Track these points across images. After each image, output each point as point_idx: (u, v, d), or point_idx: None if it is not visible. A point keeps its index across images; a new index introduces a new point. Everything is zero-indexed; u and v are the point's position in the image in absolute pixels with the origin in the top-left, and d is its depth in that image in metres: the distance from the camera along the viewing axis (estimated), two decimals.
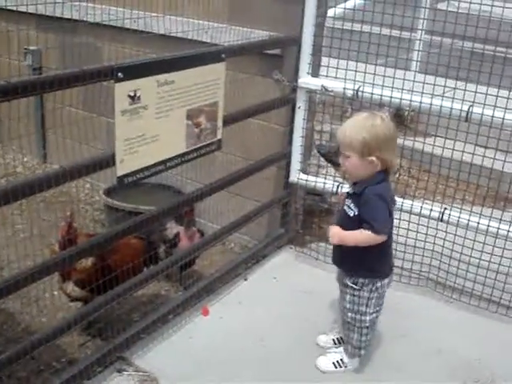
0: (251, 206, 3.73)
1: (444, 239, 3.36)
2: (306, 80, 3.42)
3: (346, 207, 2.59)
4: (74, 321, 2.61)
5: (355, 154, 2.44)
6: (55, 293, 3.27)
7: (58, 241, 2.92)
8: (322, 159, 4.24)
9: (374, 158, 2.43)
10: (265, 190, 3.79)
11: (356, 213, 2.53)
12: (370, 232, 2.46)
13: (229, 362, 2.85)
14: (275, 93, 3.57)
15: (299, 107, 3.49)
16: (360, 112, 2.60)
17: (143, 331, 2.95)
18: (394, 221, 2.74)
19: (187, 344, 2.96)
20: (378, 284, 2.64)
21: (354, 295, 2.67)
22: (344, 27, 3.29)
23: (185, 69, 2.56)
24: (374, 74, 3.20)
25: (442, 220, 3.25)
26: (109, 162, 2.41)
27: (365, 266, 2.60)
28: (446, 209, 3.25)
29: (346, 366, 2.82)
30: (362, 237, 2.49)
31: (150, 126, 2.47)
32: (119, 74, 2.26)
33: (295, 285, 3.48)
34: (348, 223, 2.56)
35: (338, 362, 2.83)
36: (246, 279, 3.52)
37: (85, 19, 3.93)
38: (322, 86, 3.34)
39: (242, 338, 3.02)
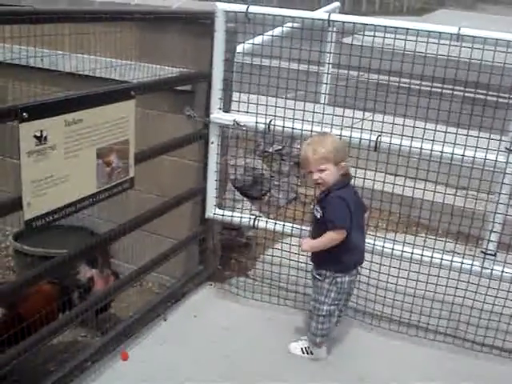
0: (168, 243, 3.66)
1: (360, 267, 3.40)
2: (218, 115, 3.42)
3: (314, 210, 3.01)
4: None
5: (330, 163, 2.88)
6: None
7: None
8: (237, 193, 4.25)
9: (343, 164, 2.91)
10: (181, 227, 3.74)
11: (321, 215, 2.93)
12: (332, 232, 2.88)
13: None
14: (188, 129, 3.55)
15: (212, 142, 3.48)
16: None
17: (60, 381, 2.81)
18: None
19: None
20: (338, 279, 3.00)
21: (316, 286, 3.06)
22: (254, 62, 3.31)
23: (93, 107, 2.51)
24: (285, 107, 3.25)
25: None
26: (15, 205, 2.31)
27: (328, 261, 2.99)
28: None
29: (312, 353, 3.17)
30: (327, 239, 2.90)
31: (59, 167, 2.39)
32: (24, 114, 2.18)
33: (216, 322, 3.43)
34: (315, 225, 3.03)
35: (305, 348, 3.18)
36: (165, 319, 3.44)
37: None
38: (235, 120, 3.36)
39: (164, 381, 2.94)
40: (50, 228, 2.49)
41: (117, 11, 2.89)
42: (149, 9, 3.27)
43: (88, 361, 2.98)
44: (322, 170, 2.90)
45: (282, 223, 3.47)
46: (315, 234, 3.03)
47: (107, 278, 3.30)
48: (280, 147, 4.74)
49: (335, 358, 3.20)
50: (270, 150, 4.70)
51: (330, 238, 2.89)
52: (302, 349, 3.19)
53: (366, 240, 3.23)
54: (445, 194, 3.26)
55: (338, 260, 2.97)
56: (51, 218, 2.41)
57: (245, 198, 4.31)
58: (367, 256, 3.26)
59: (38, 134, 2.26)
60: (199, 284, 3.79)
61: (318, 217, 2.97)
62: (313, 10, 3.54)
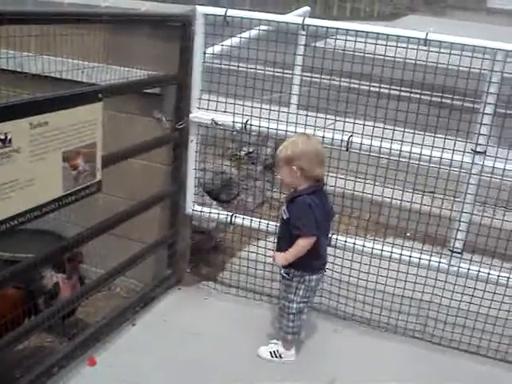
0: (137, 247, 3.62)
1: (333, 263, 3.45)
2: (196, 114, 3.46)
3: (282, 211, 3.06)
4: None
5: (291, 166, 2.92)
6: None
7: None
8: (207, 197, 4.23)
9: (307, 169, 2.91)
10: (150, 230, 3.71)
11: (287, 217, 2.98)
12: (300, 240, 2.92)
13: None
14: (156, 132, 3.53)
15: (192, 141, 3.54)
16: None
17: None
18: None
19: None
20: (306, 277, 3.05)
21: (285, 284, 3.11)
22: (227, 66, 3.36)
23: (59, 110, 2.46)
24: (261, 108, 3.31)
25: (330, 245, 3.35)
26: None
27: (295, 263, 3.00)
28: (333, 234, 3.36)
29: (281, 357, 3.18)
30: (298, 248, 2.94)
31: (24, 170, 2.34)
32: None
33: (185, 326, 3.41)
34: (282, 225, 3.10)
35: (274, 352, 3.19)
36: (134, 324, 3.40)
37: None
38: (213, 119, 3.40)
39: None
40: (15, 232, 2.44)
41: (85, 13, 2.87)
42: (118, 11, 3.24)
43: (55, 366, 2.94)
44: (282, 170, 2.98)
45: (258, 220, 3.52)
46: (281, 234, 3.13)
47: (74, 283, 3.25)
48: (250, 150, 4.74)
49: (305, 360, 3.20)
50: (240, 154, 4.70)
51: (301, 246, 2.93)
52: (271, 352, 3.20)
53: (339, 237, 3.34)
54: (412, 193, 3.33)
55: (304, 263, 3.01)
56: (16, 222, 2.36)
57: (214, 202, 4.28)
58: (339, 253, 3.33)
59: (2, 137, 2.21)
60: (168, 288, 3.76)
61: (285, 218, 3.02)
62: (284, 14, 3.57)
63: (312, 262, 3.03)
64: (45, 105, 2.41)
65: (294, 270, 3.04)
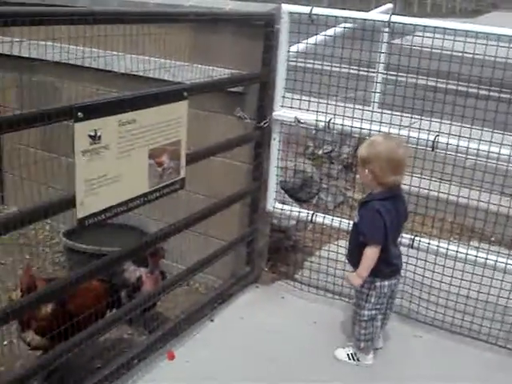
0: (216, 244, 3.66)
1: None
2: (279, 113, 3.47)
3: (355, 214, 3.01)
4: (33, 371, 2.50)
5: (367, 168, 2.83)
6: (14, 340, 3.15)
7: (18, 288, 2.81)
8: (286, 196, 4.22)
9: (381, 173, 2.80)
10: (229, 228, 3.73)
11: (358, 221, 2.93)
12: (367, 248, 2.83)
13: None
14: (238, 130, 3.55)
15: (274, 139, 3.55)
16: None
17: (107, 379, 2.83)
18: None
19: None
20: (378, 284, 2.96)
21: (357, 291, 3.04)
22: (311, 64, 3.35)
23: (147, 107, 2.51)
24: (344, 107, 3.27)
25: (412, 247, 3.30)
26: (68, 204, 2.34)
27: None
28: (416, 236, 3.30)
29: (359, 360, 3.13)
30: (367, 260, 2.84)
31: (112, 166, 2.41)
32: (79, 113, 2.20)
33: (262, 324, 3.41)
34: (353, 228, 3.04)
35: (352, 354, 3.15)
36: (212, 320, 3.44)
37: (43, 58, 3.87)
38: (296, 118, 3.39)
39: (209, 381, 2.93)
40: (100, 226, 2.51)
41: (172, 13, 2.91)
42: (203, 10, 3.28)
43: (135, 359, 3.00)
44: (359, 170, 2.94)
45: (339, 219, 3.49)
46: (351, 238, 3.07)
47: (156, 277, 3.31)
48: (329, 150, 4.70)
49: (382, 364, 3.14)
50: (320, 153, 4.67)
51: (369, 256, 2.84)
52: (348, 355, 3.16)
53: (422, 239, 3.29)
54: (500, 196, 3.24)
55: (374, 269, 2.90)
56: (103, 216, 2.43)
57: (293, 200, 4.27)
58: (421, 255, 3.27)
59: (93, 134, 2.28)
60: (246, 286, 3.78)
61: (356, 221, 2.97)
62: (365, 11, 3.53)
63: (382, 268, 2.92)
64: (133, 103, 2.47)
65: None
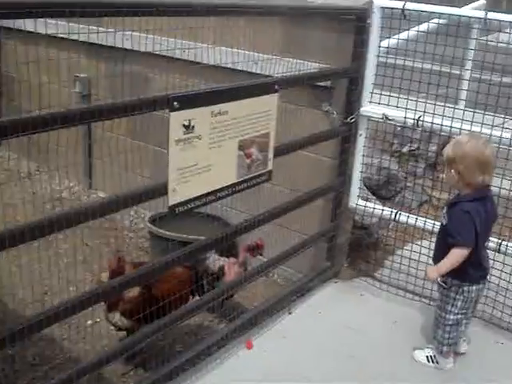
0: (297, 238, 3.67)
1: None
2: (367, 108, 3.44)
3: (442, 215, 2.94)
4: (119, 350, 2.60)
5: (453, 168, 2.76)
6: (98, 320, 3.27)
7: (107, 271, 2.92)
8: (368, 192, 4.18)
9: (452, 170, 2.76)
10: (311, 222, 3.74)
11: (446, 223, 2.85)
12: (455, 249, 2.75)
13: None
14: (324, 125, 3.54)
15: (360, 135, 3.53)
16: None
17: (187, 363, 2.91)
18: None
19: (231, 378, 2.90)
20: (465, 288, 2.89)
21: (442, 294, 2.97)
22: (402, 60, 3.30)
23: (239, 99, 2.55)
24: (435, 104, 3.20)
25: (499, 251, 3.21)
26: (161, 190, 2.40)
27: (454, 269, 2.81)
28: (503, 240, 3.20)
29: (437, 363, 3.07)
30: (452, 259, 2.76)
31: (203, 156, 2.46)
32: (175, 103, 2.26)
33: (340, 320, 3.40)
34: (441, 229, 2.96)
35: (431, 357, 3.09)
36: (290, 313, 3.46)
37: (135, 49, 3.98)
38: (384, 114, 3.35)
39: (286, 373, 2.95)
40: (188, 215, 2.57)
41: (264, 6, 2.92)
42: (295, 4, 3.28)
43: (214, 346, 3.07)
44: (445, 171, 2.86)
45: (424, 219, 3.43)
46: (438, 240, 2.98)
47: (239, 268, 3.36)
48: (414, 147, 4.62)
49: (461, 369, 3.07)
50: (404, 150, 4.59)
51: (455, 257, 2.77)
52: (427, 357, 3.10)
53: (509, 244, 3.18)
54: None
55: (463, 272, 2.84)
56: (193, 204, 2.49)
57: (374, 198, 4.22)
58: (508, 260, 3.18)
59: (187, 123, 2.33)
60: (325, 281, 3.78)
61: (444, 223, 2.90)
62: (453, 7, 3.44)
63: (471, 271, 2.85)
64: (226, 94, 2.51)
65: (452, 279, 2.89)
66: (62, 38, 4.48)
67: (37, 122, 1.94)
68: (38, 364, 3.07)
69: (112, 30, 3.59)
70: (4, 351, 2.13)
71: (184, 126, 2.33)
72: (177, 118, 2.29)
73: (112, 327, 3.06)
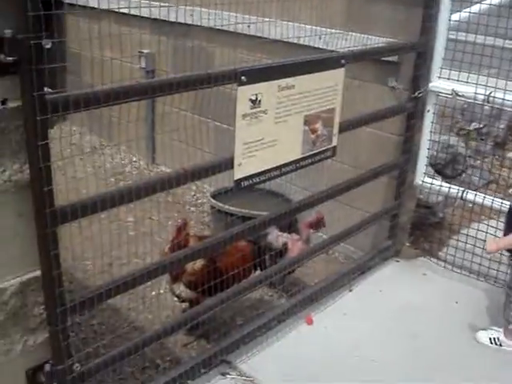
0: (359, 216, 3.64)
1: None
2: (436, 84, 3.37)
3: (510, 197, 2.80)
4: (182, 321, 2.64)
5: None
6: (161, 291, 3.33)
7: (170, 242, 2.96)
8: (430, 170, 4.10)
9: None
10: (374, 200, 3.69)
11: None
12: None
13: (334, 373, 2.79)
14: (389, 101, 3.47)
15: (428, 111, 3.46)
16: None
17: (248, 336, 2.94)
18: None
19: (291, 352, 2.92)
20: None
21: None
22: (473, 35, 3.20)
23: (305, 74, 2.53)
24: (506, 80, 3.11)
25: None
26: (225, 165, 2.42)
27: None
28: None
29: (501, 345, 3.01)
30: None
31: (269, 131, 2.46)
32: (243, 77, 2.26)
33: (401, 299, 3.37)
34: (508, 212, 2.86)
35: (494, 338, 3.04)
36: (350, 290, 3.44)
37: (198, 24, 3.99)
38: (453, 90, 3.28)
39: (347, 350, 2.95)
40: (251, 190, 2.58)
41: None
42: None
43: (274, 320, 3.09)
44: None
45: (492, 198, 3.35)
46: (507, 223, 2.89)
47: (302, 244, 3.36)
48: (480, 126, 4.49)
49: None
50: (470, 128, 4.47)
51: None
52: (490, 338, 3.05)
53: None
54: None
55: None
56: (258, 179, 2.50)
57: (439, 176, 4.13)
58: None
59: (254, 98, 2.33)
60: (386, 259, 3.74)
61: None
62: None
63: None
64: (293, 69, 2.49)
65: None
66: (124, 13, 4.59)
67: (109, 96, 1.97)
68: (104, 333, 3.15)
69: (175, 5, 3.62)
70: (73, 318, 2.19)
71: (251, 100, 2.33)
72: (244, 93, 2.29)
73: (175, 298, 3.11)
